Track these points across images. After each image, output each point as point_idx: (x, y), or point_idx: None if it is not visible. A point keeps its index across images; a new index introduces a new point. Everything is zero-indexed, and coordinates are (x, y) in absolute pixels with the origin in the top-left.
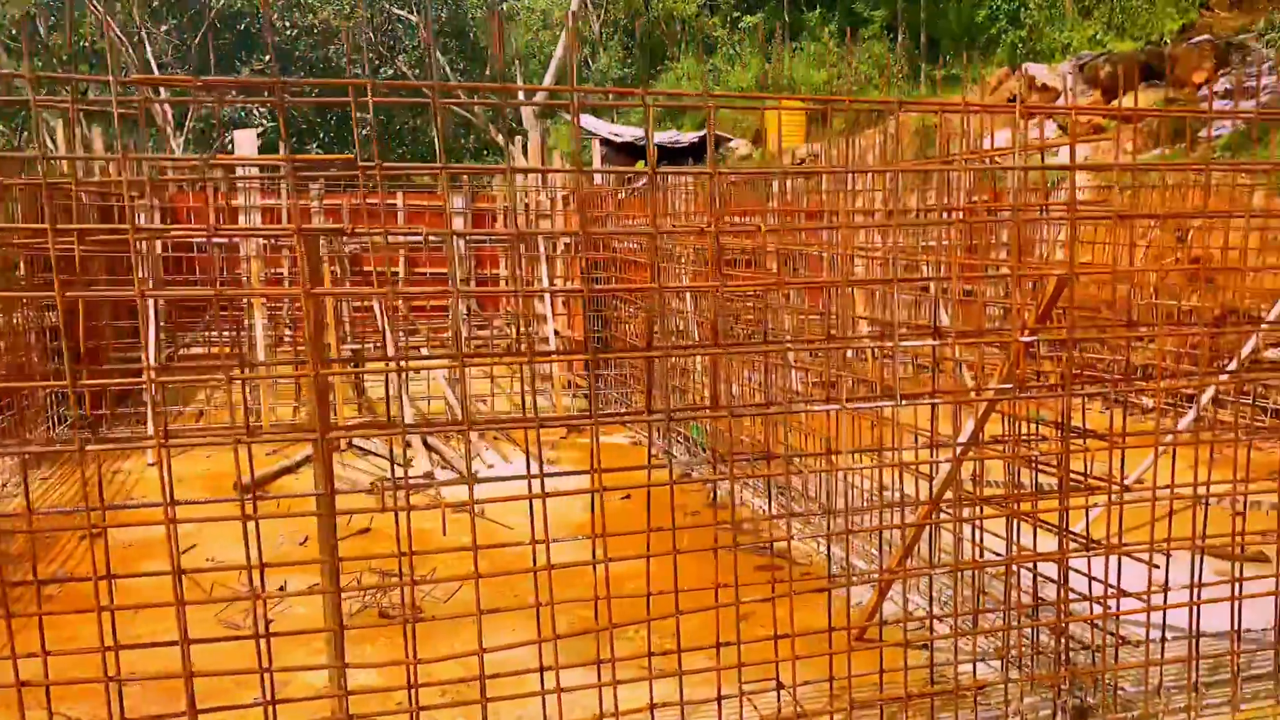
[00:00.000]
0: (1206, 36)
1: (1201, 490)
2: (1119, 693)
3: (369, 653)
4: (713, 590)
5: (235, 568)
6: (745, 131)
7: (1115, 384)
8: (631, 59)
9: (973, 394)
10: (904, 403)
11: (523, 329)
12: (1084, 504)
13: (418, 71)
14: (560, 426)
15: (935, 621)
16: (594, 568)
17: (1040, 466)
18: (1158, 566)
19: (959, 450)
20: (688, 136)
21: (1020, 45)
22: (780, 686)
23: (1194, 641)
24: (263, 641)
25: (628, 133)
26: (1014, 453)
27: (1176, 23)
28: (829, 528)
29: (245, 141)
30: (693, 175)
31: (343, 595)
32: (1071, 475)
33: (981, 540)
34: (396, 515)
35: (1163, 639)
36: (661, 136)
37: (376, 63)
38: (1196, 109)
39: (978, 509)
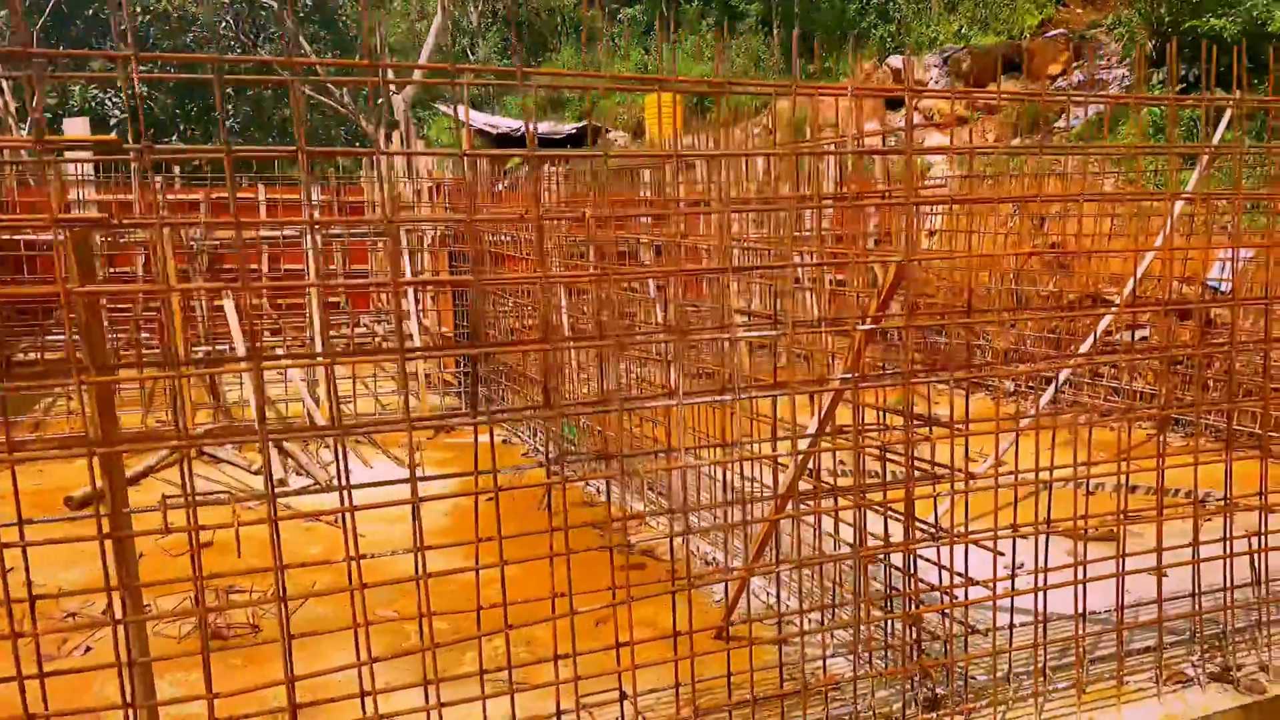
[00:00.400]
0: (1061, 30)
1: (1045, 475)
2: (970, 681)
3: (197, 680)
4: (571, 596)
5: None
6: (626, 124)
7: (953, 370)
8: (513, 50)
9: (819, 385)
10: (742, 396)
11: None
12: (931, 493)
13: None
14: (374, 433)
15: (792, 617)
16: (418, 583)
17: (889, 455)
18: (1002, 553)
19: (806, 441)
20: (566, 127)
21: (890, 39)
22: (624, 697)
23: (1039, 627)
24: (65, 679)
25: (504, 124)
26: (858, 442)
27: (1035, 18)
28: (671, 526)
29: (74, 131)
30: (520, 158)
31: (172, 618)
32: (923, 463)
33: (837, 531)
34: (190, 535)
35: (1010, 625)
36: (542, 127)
37: (240, 51)
38: (1035, 93)
39: (825, 500)
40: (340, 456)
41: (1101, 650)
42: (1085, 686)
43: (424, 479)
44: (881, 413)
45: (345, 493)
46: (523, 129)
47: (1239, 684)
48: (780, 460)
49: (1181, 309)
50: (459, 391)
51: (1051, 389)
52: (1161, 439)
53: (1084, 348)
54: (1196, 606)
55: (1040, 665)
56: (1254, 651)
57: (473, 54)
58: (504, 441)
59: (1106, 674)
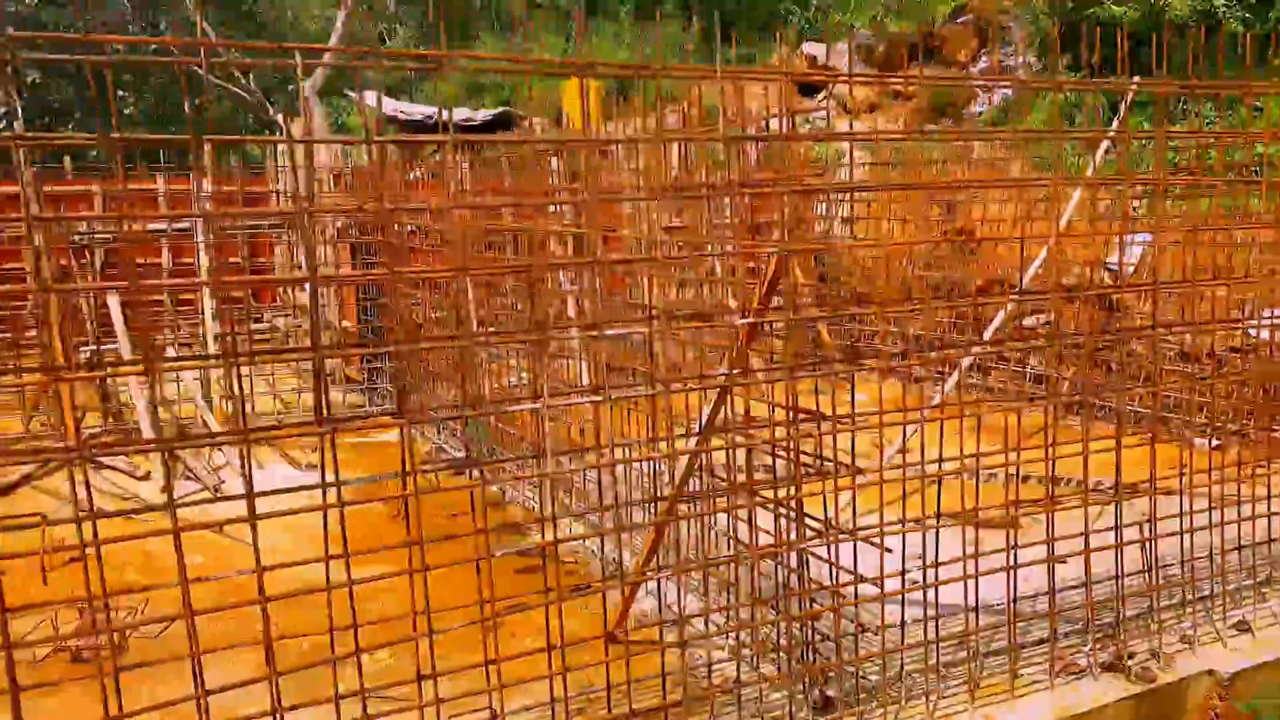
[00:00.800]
0: (970, 17)
1: (943, 465)
2: (863, 681)
3: (50, 707)
4: (429, 614)
5: None
6: (548, 112)
7: (833, 362)
8: (433, 36)
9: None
10: (613, 397)
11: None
12: (821, 489)
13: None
14: (196, 447)
15: (688, 621)
16: (262, 606)
17: (778, 450)
18: (890, 549)
19: (689, 440)
20: (481, 114)
21: (808, 27)
22: (494, 716)
23: (928, 623)
24: None
25: (417, 110)
26: (732, 440)
27: (949, 5)
28: (541, 532)
29: None
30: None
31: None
32: (810, 457)
33: (733, 531)
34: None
35: (902, 622)
36: (458, 114)
37: (138, 34)
38: (911, 75)
39: (713, 499)
40: (167, 472)
41: (998, 643)
42: (979, 682)
43: (261, 494)
44: (771, 408)
45: (171, 510)
46: (435, 115)
47: (1130, 673)
48: (674, 457)
49: (1086, 294)
50: (364, 389)
51: (952, 378)
52: (1049, 427)
53: (987, 334)
54: (1088, 595)
55: (934, 662)
56: (1146, 639)
57: (390, 41)
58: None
59: (1001, 668)
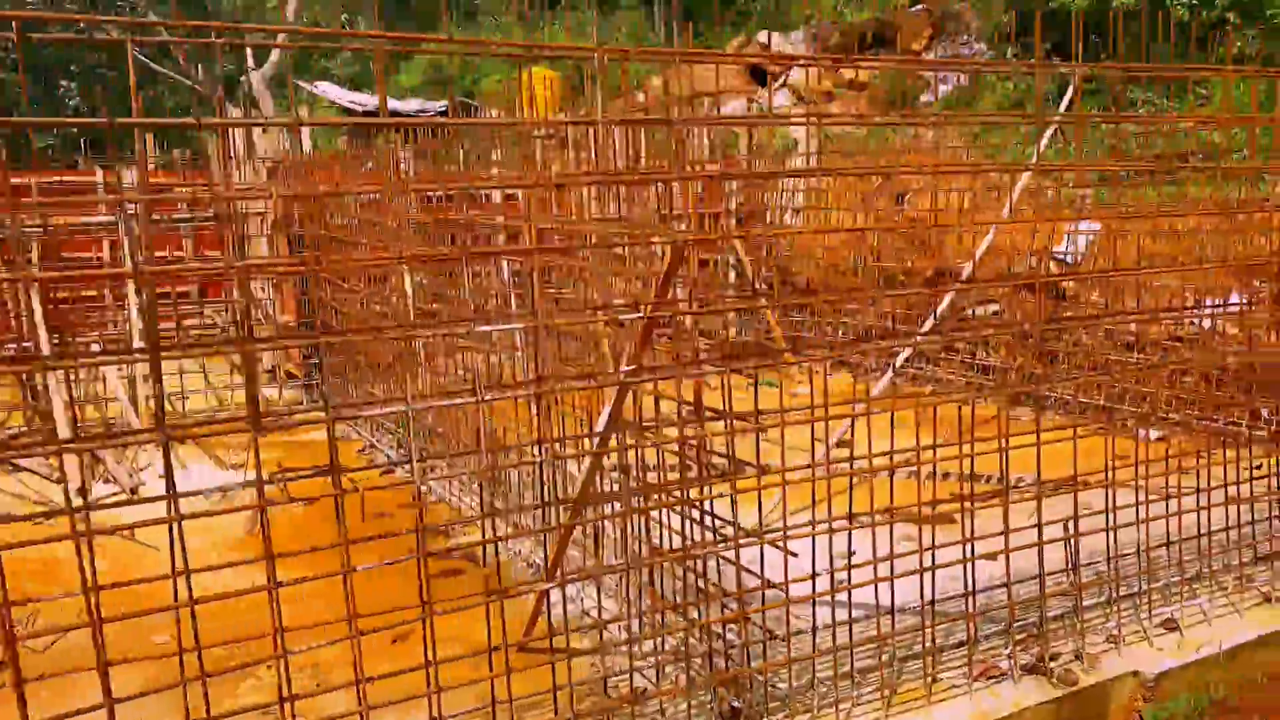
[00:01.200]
0: (923, 6)
1: (860, 463)
2: (773, 690)
3: None
4: (282, 633)
5: None
6: (508, 102)
7: (731, 358)
8: (397, 27)
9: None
10: (490, 398)
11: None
12: (730, 489)
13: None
14: (20, 456)
15: (596, 629)
16: (94, 628)
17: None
18: (795, 554)
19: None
20: (435, 105)
21: (769, 16)
22: None
23: (836, 628)
24: None
25: (371, 101)
26: (637, 438)
27: None
28: (423, 540)
29: None
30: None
31: None
32: (720, 457)
33: (638, 533)
34: None
35: (813, 628)
36: (411, 105)
37: (79, 22)
38: (843, 59)
39: (623, 501)
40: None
41: (917, 647)
42: (895, 687)
43: (96, 506)
44: (680, 406)
45: None
46: (391, 106)
47: (1052, 675)
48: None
49: (1029, 282)
50: (304, 384)
51: (886, 375)
52: (963, 420)
53: (925, 326)
54: (1009, 595)
55: (847, 669)
56: (1071, 639)
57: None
58: (343, 438)
59: (918, 673)
